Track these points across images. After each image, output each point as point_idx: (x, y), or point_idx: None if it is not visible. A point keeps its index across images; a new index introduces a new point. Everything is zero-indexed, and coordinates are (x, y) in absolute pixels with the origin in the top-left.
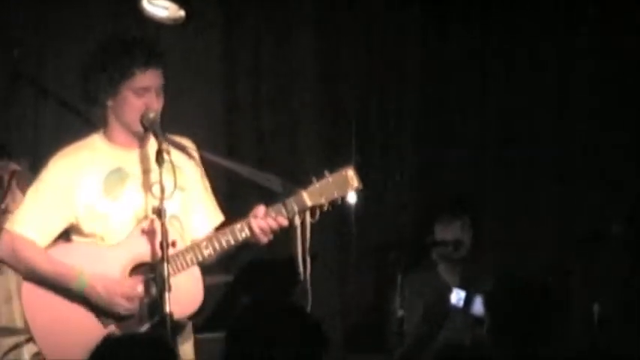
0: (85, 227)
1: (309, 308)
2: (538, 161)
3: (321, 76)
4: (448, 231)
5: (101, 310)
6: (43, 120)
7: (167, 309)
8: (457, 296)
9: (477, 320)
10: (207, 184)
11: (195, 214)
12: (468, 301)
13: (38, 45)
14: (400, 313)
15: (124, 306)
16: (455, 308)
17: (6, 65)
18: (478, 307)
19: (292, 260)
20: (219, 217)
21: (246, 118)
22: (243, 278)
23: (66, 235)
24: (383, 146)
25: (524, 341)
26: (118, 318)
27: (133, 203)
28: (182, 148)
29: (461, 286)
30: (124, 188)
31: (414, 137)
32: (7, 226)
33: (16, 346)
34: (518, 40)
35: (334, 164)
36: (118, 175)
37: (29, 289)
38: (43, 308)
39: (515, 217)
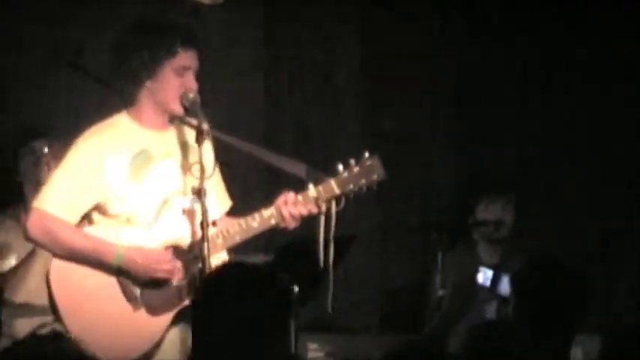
0: (111, 208)
1: (330, 295)
2: (584, 144)
3: (360, 61)
4: (489, 211)
5: (140, 283)
6: (80, 98)
7: None
8: (484, 275)
9: (504, 300)
10: (217, 169)
11: (214, 195)
12: (496, 280)
13: (77, 23)
14: (440, 292)
15: (164, 269)
16: (482, 287)
17: (45, 43)
18: (505, 286)
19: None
20: (228, 202)
21: (284, 104)
22: (282, 259)
23: (87, 217)
24: (423, 126)
25: (548, 323)
26: (153, 286)
27: (158, 185)
28: (199, 131)
29: (499, 267)
30: (149, 170)
31: (456, 118)
32: (36, 204)
33: (40, 327)
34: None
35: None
36: (143, 156)
37: (58, 266)
38: (72, 287)
39: (559, 200)
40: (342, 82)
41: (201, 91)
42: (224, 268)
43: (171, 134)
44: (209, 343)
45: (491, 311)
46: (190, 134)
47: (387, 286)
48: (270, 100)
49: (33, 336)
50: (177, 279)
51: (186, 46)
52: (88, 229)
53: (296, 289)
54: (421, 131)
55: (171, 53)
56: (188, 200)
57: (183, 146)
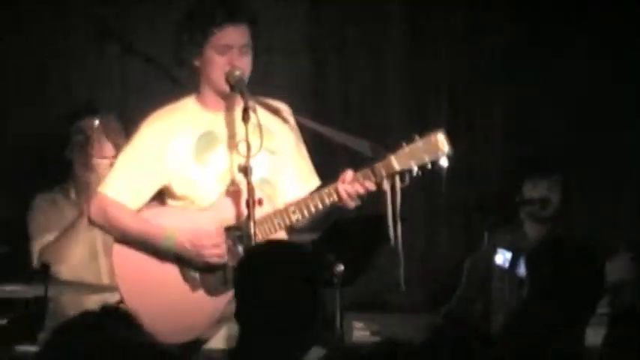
0: (177, 190)
1: (401, 271)
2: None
3: (410, 38)
4: (536, 189)
5: (191, 269)
6: (129, 77)
7: None
8: (503, 257)
9: (522, 282)
10: (302, 148)
11: (288, 178)
12: (514, 262)
13: (125, 2)
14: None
15: (213, 253)
16: (500, 269)
17: (93, 22)
18: (523, 269)
19: (378, 220)
20: (314, 182)
21: (333, 81)
22: (329, 237)
23: (160, 198)
24: (471, 105)
25: (563, 303)
26: (208, 270)
27: (223, 167)
28: (275, 111)
29: (519, 248)
30: (214, 151)
31: (503, 96)
32: (100, 189)
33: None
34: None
35: (423, 128)
36: (208, 138)
37: (120, 250)
38: (133, 270)
39: (607, 181)
40: (389, 60)
41: (255, 66)
42: (263, 245)
43: (236, 115)
44: (252, 320)
45: (509, 293)
46: (262, 115)
47: (434, 266)
48: (317, 76)
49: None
50: (233, 259)
51: (224, 24)
52: (154, 211)
53: (341, 267)
54: (468, 111)
55: (208, 34)
56: (255, 179)
57: (252, 127)
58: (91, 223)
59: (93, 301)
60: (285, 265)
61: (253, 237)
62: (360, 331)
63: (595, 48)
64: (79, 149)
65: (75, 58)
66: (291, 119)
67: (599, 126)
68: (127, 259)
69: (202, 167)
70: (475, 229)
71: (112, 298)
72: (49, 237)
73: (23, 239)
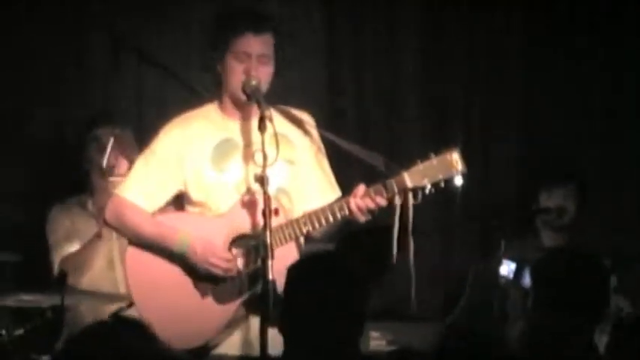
0: (193, 196)
1: (413, 289)
2: None
3: (424, 52)
4: (552, 198)
5: (200, 275)
6: (146, 88)
7: (270, 276)
8: (507, 268)
9: (527, 293)
10: (323, 160)
11: (306, 189)
12: (519, 273)
13: (141, 13)
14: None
15: (220, 267)
16: (505, 280)
17: (109, 33)
18: (527, 279)
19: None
20: (334, 194)
21: (348, 95)
22: (344, 248)
23: (179, 202)
24: (486, 114)
25: (569, 313)
26: (215, 281)
27: (241, 174)
28: (297, 122)
29: (523, 259)
30: (233, 159)
31: (521, 105)
32: (117, 191)
33: (119, 311)
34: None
35: (438, 139)
36: (227, 145)
37: (133, 253)
38: (145, 273)
39: (624, 189)
40: (406, 74)
41: (275, 76)
42: (308, 258)
43: (255, 124)
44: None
45: (514, 304)
46: (282, 124)
47: (450, 274)
48: (332, 86)
49: (116, 318)
50: (241, 269)
51: (244, 32)
52: (169, 216)
53: None
54: (484, 119)
55: (227, 40)
56: (271, 189)
57: (273, 136)
58: (106, 224)
59: (110, 311)
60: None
61: (270, 247)
62: (376, 341)
63: (611, 59)
64: (95, 158)
65: (92, 69)
66: (314, 131)
67: (614, 135)
68: (140, 261)
69: (219, 174)
70: (491, 237)
71: (128, 308)
72: (70, 248)
73: (38, 248)
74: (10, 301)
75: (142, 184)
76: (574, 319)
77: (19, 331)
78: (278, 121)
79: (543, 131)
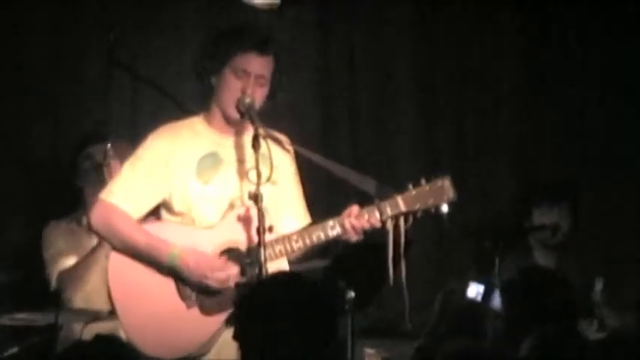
0: (176, 206)
1: (407, 311)
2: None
3: (419, 71)
4: (546, 216)
5: (191, 286)
6: (139, 105)
7: None
8: (476, 290)
9: (497, 315)
10: (299, 183)
11: (285, 210)
12: (487, 294)
13: (134, 30)
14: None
15: (215, 279)
16: (473, 302)
17: (102, 51)
18: (497, 301)
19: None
20: (307, 219)
21: (341, 115)
22: (340, 263)
23: (156, 212)
24: (483, 131)
25: (540, 336)
26: (208, 293)
27: (224, 189)
28: (278, 141)
29: (491, 281)
30: (217, 173)
31: (512, 122)
32: (102, 195)
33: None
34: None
35: (431, 157)
36: (212, 159)
37: (117, 260)
38: (128, 282)
39: (617, 204)
40: (400, 88)
41: (270, 99)
42: (268, 278)
43: (241, 140)
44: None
45: (485, 326)
46: (267, 143)
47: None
48: (326, 108)
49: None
50: (233, 282)
51: (248, 50)
52: (148, 225)
53: (352, 294)
54: (478, 137)
55: (230, 53)
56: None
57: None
58: (92, 229)
59: (103, 328)
60: (298, 295)
61: (265, 264)
62: (372, 358)
63: (605, 76)
64: (89, 176)
65: (86, 86)
66: (292, 150)
67: (607, 154)
68: (123, 269)
69: (204, 187)
70: (485, 256)
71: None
72: (66, 262)
73: (33, 266)
74: (5, 319)
75: (128, 189)
76: (543, 335)
77: (13, 350)
78: (263, 141)
79: (537, 149)
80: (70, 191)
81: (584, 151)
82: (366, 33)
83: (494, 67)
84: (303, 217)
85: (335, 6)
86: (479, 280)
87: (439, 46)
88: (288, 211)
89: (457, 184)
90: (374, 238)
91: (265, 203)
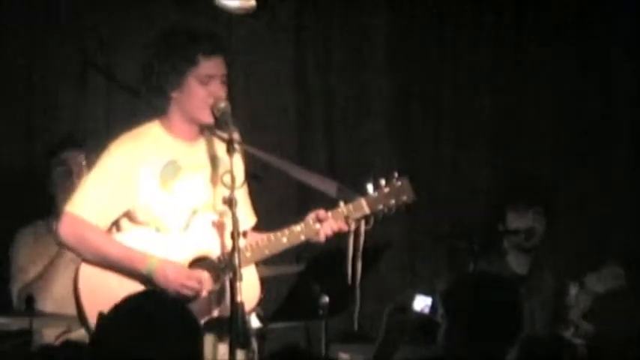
0: (140, 216)
1: (356, 313)
2: (615, 150)
3: (392, 73)
4: (521, 220)
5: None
6: (113, 109)
7: (239, 298)
8: (423, 303)
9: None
10: (245, 183)
11: (240, 211)
12: (435, 307)
13: (107, 34)
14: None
15: (191, 289)
16: (419, 315)
17: (76, 54)
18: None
19: (363, 252)
20: (253, 218)
21: (317, 117)
22: (314, 268)
23: (116, 223)
24: (457, 135)
25: (479, 342)
26: (182, 300)
27: (186, 196)
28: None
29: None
30: (179, 180)
31: (490, 126)
32: (68, 208)
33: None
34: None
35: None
36: (172, 167)
37: (87, 272)
38: (99, 290)
39: (591, 207)
40: (375, 93)
41: (229, 96)
42: (124, 302)
43: (201, 146)
44: None
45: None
46: (220, 146)
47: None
48: (301, 112)
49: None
50: (206, 290)
51: (208, 55)
52: (116, 235)
53: (326, 299)
54: (452, 140)
55: (192, 63)
56: (216, 213)
57: (213, 158)
58: (60, 243)
59: (76, 334)
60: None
61: (239, 269)
62: None
63: (584, 78)
64: (61, 182)
65: (58, 91)
66: (239, 149)
67: (582, 156)
68: (94, 280)
69: (167, 195)
70: (459, 259)
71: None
72: (34, 270)
73: (6, 272)
74: None
75: (93, 200)
76: (486, 344)
77: None
78: (217, 143)
79: (512, 151)
80: (43, 197)
81: (558, 152)
82: (341, 37)
83: (470, 69)
84: (250, 216)
85: (311, 10)
86: (425, 292)
87: (416, 48)
88: (240, 211)
89: (431, 188)
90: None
91: (222, 207)
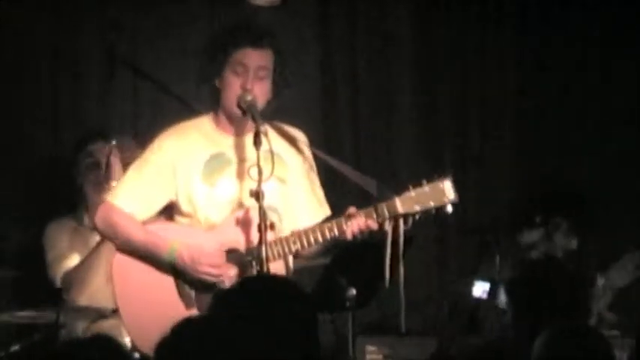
0: (183, 207)
1: (402, 315)
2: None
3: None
4: (532, 234)
5: (189, 284)
6: (141, 103)
7: None
8: (482, 288)
9: (503, 311)
10: (315, 179)
11: (296, 208)
12: (493, 292)
13: (135, 28)
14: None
15: (209, 273)
16: (479, 301)
17: (104, 49)
18: (502, 298)
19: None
20: (324, 213)
21: (342, 110)
22: (341, 261)
23: (168, 213)
24: (482, 134)
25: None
26: (204, 289)
27: (231, 189)
28: (291, 140)
29: (496, 279)
30: (224, 174)
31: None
32: (108, 198)
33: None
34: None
35: (432, 164)
36: (219, 160)
37: (121, 261)
38: (131, 281)
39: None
40: (400, 90)
41: (275, 92)
42: (241, 282)
43: (249, 140)
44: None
45: (493, 323)
46: (273, 141)
47: (445, 289)
48: (328, 104)
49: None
50: (230, 282)
51: (243, 45)
52: (157, 225)
53: (353, 292)
54: (481, 138)
55: (227, 52)
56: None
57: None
58: (95, 229)
59: (105, 327)
60: (272, 302)
61: (266, 262)
62: (373, 355)
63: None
64: (90, 173)
65: (86, 82)
66: (307, 150)
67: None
68: (127, 269)
69: (210, 188)
70: (486, 252)
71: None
72: (69, 263)
73: (34, 265)
74: (6, 317)
75: (134, 191)
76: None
77: (15, 348)
78: (272, 138)
79: (538, 147)
80: (71, 189)
81: (585, 149)
82: (367, 31)
83: (497, 69)
84: (319, 212)
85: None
86: (483, 278)
87: (442, 41)
88: (301, 209)
89: (458, 182)
90: (374, 237)
91: (272, 202)
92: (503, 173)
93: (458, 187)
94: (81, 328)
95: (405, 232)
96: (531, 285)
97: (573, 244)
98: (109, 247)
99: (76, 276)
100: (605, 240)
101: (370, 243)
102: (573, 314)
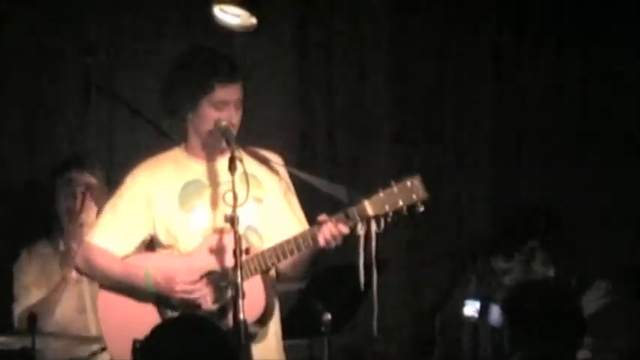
0: (163, 239)
1: (375, 319)
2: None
3: (392, 88)
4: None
5: (171, 305)
6: (117, 129)
7: (241, 316)
8: (472, 307)
9: (495, 330)
10: (292, 198)
11: (276, 227)
12: (484, 311)
13: (111, 53)
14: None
15: (184, 290)
16: (470, 320)
17: (80, 74)
18: (495, 316)
19: (365, 269)
20: (300, 229)
21: (319, 131)
22: (316, 285)
23: (152, 247)
24: (458, 155)
25: (546, 347)
26: (188, 309)
27: (208, 215)
28: (264, 160)
29: (486, 297)
30: (200, 200)
31: (489, 147)
32: (87, 238)
33: (94, 354)
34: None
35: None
36: (194, 186)
37: (105, 297)
38: (117, 316)
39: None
40: (376, 107)
41: (244, 119)
42: (163, 324)
43: (222, 164)
44: None
45: (484, 342)
46: (248, 164)
47: (421, 312)
48: (304, 121)
49: None
50: (207, 304)
51: (226, 81)
52: (135, 256)
53: (328, 316)
54: (456, 154)
55: (208, 89)
56: (241, 227)
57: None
58: (77, 270)
59: (81, 352)
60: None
61: (241, 287)
62: None
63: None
64: (66, 202)
65: (61, 108)
66: (282, 170)
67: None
68: (111, 305)
69: (187, 215)
70: (461, 274)
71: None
72: (38, 294)
73: (8, 291)
74: None
75: (110, 229)
76: (553, 349)
77: None
78: (247, 161)
79: (515, 169)
80: (47, 218)
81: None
82: (342, 49)
83: (474, 85)
84: (299, 230)
85: (312, 25)
86: (474, 297)
87: (417, 57)
88: (280, 228)
89: (435, 205)
90: (349, 259)
91: (252, 222)
92: (481, 196)
93: (433, 210)
94: (55, 355)
95: (377, 255)
96: (532, 303)
97: (551, 272)
98: (76, 279)
99: (43, 305)
100: (578, 267)
101: (345, 266)
102: (571, 334)
